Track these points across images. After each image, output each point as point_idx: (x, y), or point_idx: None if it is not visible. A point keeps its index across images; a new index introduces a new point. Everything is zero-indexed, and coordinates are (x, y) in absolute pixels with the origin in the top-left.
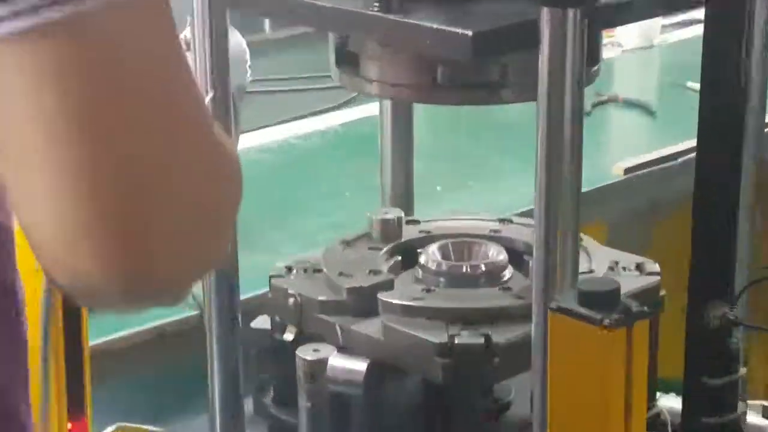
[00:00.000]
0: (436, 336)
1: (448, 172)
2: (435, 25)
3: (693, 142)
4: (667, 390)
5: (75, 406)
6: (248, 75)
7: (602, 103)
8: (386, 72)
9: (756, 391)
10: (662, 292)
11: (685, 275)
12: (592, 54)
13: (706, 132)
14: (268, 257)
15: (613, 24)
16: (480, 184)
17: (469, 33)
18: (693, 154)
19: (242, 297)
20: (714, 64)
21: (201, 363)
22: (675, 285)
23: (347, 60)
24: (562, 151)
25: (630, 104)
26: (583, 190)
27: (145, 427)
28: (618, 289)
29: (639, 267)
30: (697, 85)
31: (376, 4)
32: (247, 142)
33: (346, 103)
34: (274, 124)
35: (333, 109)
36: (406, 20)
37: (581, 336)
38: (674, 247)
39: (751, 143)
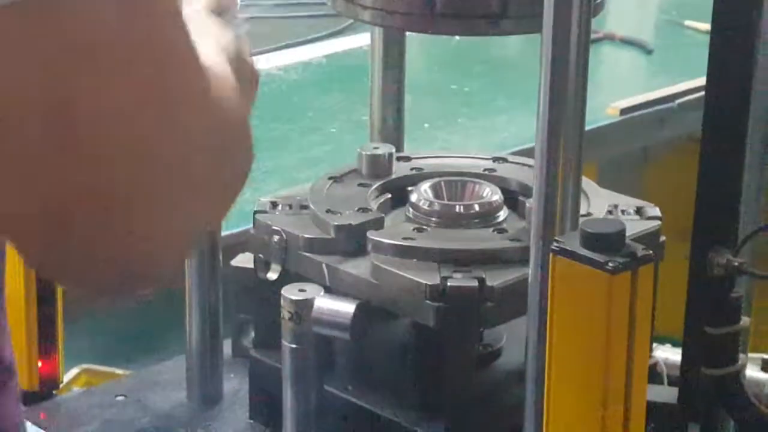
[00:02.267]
0: (428, 278)
1: (438, 109)
2: None
3: (691, 84)
4: (661, 341)
5: (46, 343)
6: None
7: (597, 40)
8: None
9: (757, 344)
10: (663, 238)
11: (676, 220)
12: None
13: (715, 70)
14: (249, 193)
15: None
16: (471, 122)
17: None
18: (691, 96)
19: (223, 233)
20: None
21: (178, 301)
22: (670, 231)
23: None
24: (566, 85)
25: (626, 42)
26: None
27: (110, 369)
28: (623, 231)
29: (639, 211)
30: (695, 24)
31: None
32: None
33: (332, 34)
34: (253, 54)
35: (317, 39)
36: None
37: (584, 279)
38: (666, 192)
39: (760, 82)
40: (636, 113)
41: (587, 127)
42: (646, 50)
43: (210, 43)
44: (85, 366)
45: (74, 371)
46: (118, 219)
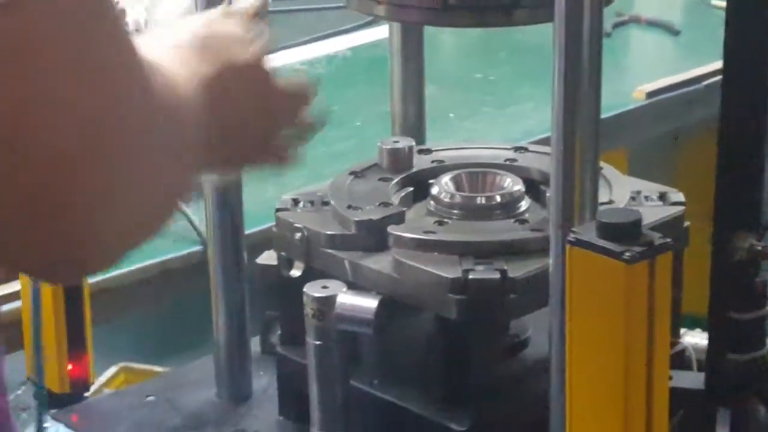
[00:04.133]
0: (450, 271)
1: (463, 98)
2: None
3: (719, 65)
4: (693, 326)
5: (75, 346)
6: None
7: (623, 23)
8: None
9: None
10: (687, 223)
11: (710, 205)
12: None
13: (733, 52)
14: (274, 190)
15: None
16: (496, 111)
17: None
18: (718, 77)
19: (247, 231)
20: None
21: (205, 300)
22: (700, 215)
23: None
24: (580, 74)
25: (652, 24)
26: (603, 116)
27: (148, 367)
28: (639, 221)
29: (662, 197)
30: (722, 3)
31: None
32: None
33: (356, 27)
34: (278, 49)
35: (342, 32)
36: None
37: (601, 270)
38: (699, 175)
39: None
40: (663, 96)
41: (613, 112)
42: (672, 32)
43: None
44: (123, 364)
45: (112, 369)
46: (55, 220)
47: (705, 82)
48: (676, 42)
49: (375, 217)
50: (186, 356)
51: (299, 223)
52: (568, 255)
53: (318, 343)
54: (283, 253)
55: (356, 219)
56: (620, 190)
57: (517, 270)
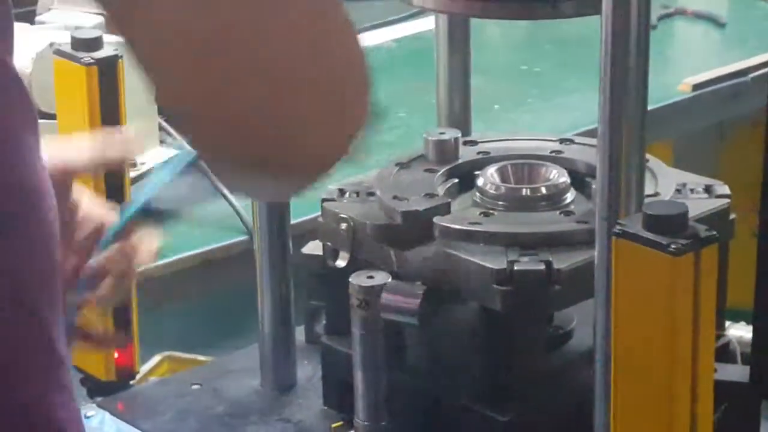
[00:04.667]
0: (495, 262)
1: (509, 90)
2: None
3: (765, 57)
4: (737, 319)
5: (122, 334)
6: None
7: (669, 15)
8: None
9: None
10: (732, 216)
11: (756, 197)
12: None
13: None
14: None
15: None
16: (541, 102)
17: None
18: (765, 70)
19: (293, 221)
20: None
21: (250, 290)
22: (746, 208)
23: None
24: (627, 66)
25: (698, 17)
26: (649, 108)
27: (192, 356)
28: (686, 213)
29: (708, 189)
30: None
31: None
32: None
33: (401, 19)
34: None
35: (388, 23)
36: None
37: (647, 262)
38: (744, 168)
39: None
40: (709, 88)
41: (659, 104)
42: (718, 24)
43: None
44: (167, 353)
45: (156, 359)
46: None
47: (751, 75)
48: (723, 34)
49: (420, 207)
50: (230, 346)
51: (345, 213)
52: (614, 247)
53: (363, 333)
54: (328, 243)
55: (402, 210)
56: (666, 182)
57: (563, 261)
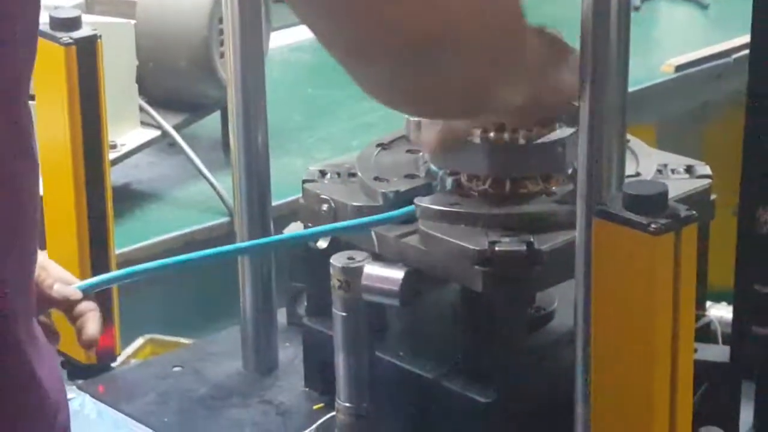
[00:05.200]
0: (476, 243)
1: None
2: None
3: (748, 38)
4: (718, 299)
5: (103, 317)
6: None
7: None
8: None
9: None
10: (713, 196)
11: (737, 178)
12: None
13: (761, 24)
14: (301, 161)
15: None
16: None
17: None
18: (748, 51)
19: (274, 203)
20: None
21: (231, 272)
22: (727, 188)
23: None
24: (607, 48)
25: None
26: (631, 89)
27: (174, 339)
28: (666, 193)
29: (689, 169)
30: None
31: None
32: (280, 40)
33: None
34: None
35: None
36: None
37: (627, 241)
38: (726, 149)
39: None
40: (691, 70)
41: (642, 86)
42: (701, 5)
43: None
44: (149, 336)
45: (139, 341)
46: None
47: (734, 56)
48: (705, 15)
49: (402, 188)
50: (212, 328)
51: (326, 194)
52: (594, 226)
53: (344, 314)
54: (309, 225)
55: (383, 190)
56: (647, 162)
57: (544, 242)
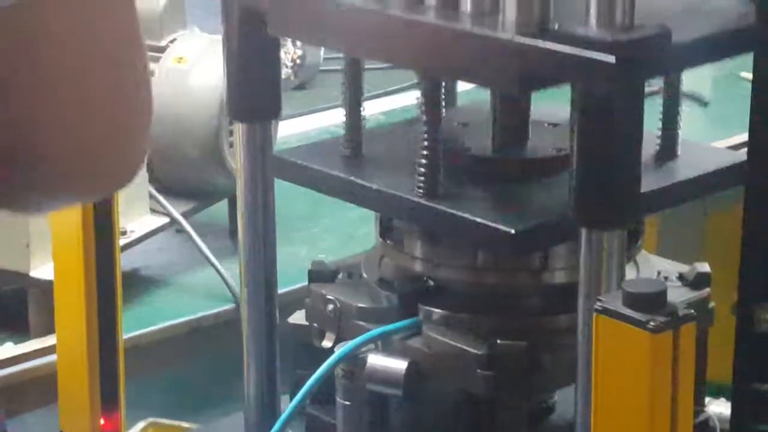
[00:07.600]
0: (477, 347)
1: None
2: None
3: (747, 136)
4: (717, 395)
5: (108, 401)
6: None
7: (653, 94)
8: None
9: None
10: (712, 304)
11: (736, 274)
12: None
13: (759, 126)
14: (306, 250)
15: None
16: None
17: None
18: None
19: (280, 291)
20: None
21: (236, 357)
22: (728, 284)
23: None
24: None
25: (682, 96)
26: None
27: (177, 423)
28: (665, 291)
29: (688, 276)
30: (751, 75)
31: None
32: (288, 129)
33: (387, 92)
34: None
35: (376, 96)
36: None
37: (626, 338)
38: (727, 244)
39: None
40: None
41: None
42: (702, 103)
43: None
44: (151, 419)
45: (140, 425)
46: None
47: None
48: (706, 113)
49: (405, 291)
50: (215, 413)
51: (332, 295)
52: (595, 322)
53: (347, 403)
54: (314, 325)
55: (387, 293)
56: (647, 269)
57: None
